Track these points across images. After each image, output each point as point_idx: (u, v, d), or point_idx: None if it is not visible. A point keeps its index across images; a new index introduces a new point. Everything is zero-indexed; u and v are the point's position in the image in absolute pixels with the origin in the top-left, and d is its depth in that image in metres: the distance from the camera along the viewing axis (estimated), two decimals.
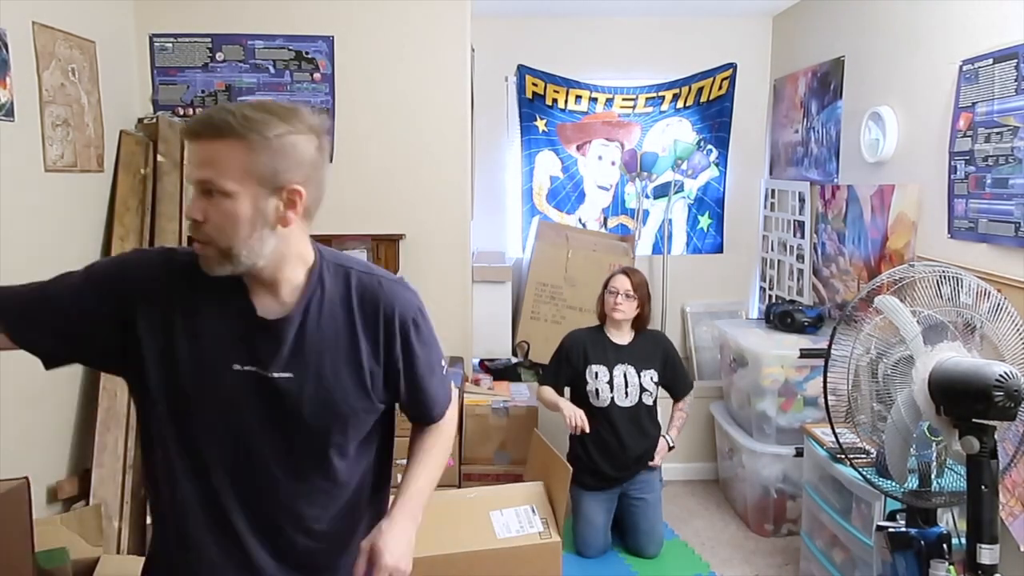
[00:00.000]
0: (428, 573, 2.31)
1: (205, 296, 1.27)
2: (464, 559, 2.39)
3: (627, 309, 3.15)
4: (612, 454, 3.13)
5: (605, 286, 3.25)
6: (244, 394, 1.25)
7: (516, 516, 2.55)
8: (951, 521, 1.90)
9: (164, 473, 1.29)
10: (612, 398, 3.12)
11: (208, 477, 1.27)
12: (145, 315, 1.28)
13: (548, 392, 3.22)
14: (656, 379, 3.19)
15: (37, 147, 2.61)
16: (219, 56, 3.38)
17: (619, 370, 3.14)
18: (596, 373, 3.13)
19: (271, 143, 1.19)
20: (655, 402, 3.21)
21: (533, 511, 2.56)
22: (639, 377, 3.15)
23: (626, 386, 3.14)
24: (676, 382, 3.29)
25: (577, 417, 3.04)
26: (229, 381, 1.25)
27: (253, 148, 1.17)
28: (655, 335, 3.33)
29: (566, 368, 3.21)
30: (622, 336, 3.23)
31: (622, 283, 3.17)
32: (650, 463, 3.17)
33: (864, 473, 2.01)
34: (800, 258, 3.88)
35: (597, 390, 3.12)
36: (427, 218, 3.51)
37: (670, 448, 3.24)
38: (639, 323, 3.24)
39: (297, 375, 1.26)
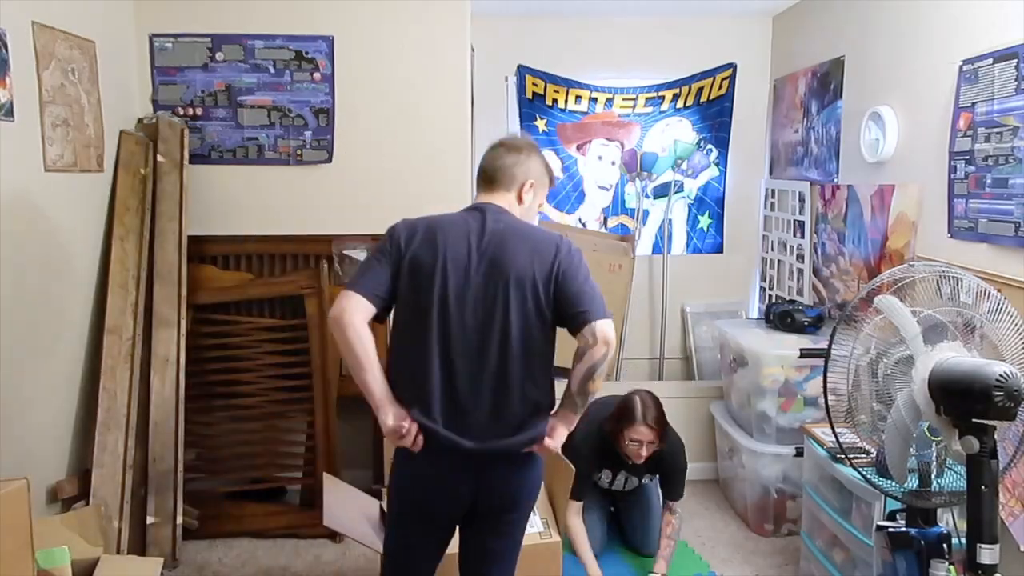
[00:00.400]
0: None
1: None
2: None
3: (648, 452, 2.87)
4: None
5: (619, 430, 2.84)
6: None
7: None
8: (951, 521, 1.90)
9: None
10: (611, 487, 3.17)
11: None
12: None
13: (576, 527, 2.89)
14: (651, 481, 3.23)
15: (37, 147, 2.61)
16: (219, 56, 3.38)
17: (621, 476, 3.11)
18: (601, 477, 3.11)
19: None
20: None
21: (534, 511, 2.53)
22: (639, 481, 3.19)
23: (625, 484, 3.16)
24: (668, 486, 3.05)
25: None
26: None
27: None
28: (664, 454, 2.97)
29: (585, 479, 2.93)
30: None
31: (645, 435, 2.80)
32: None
33: (864, 473, 2.01)
34: (800, 258, 3.88)
35: (599, 479, 3.14)
36: None
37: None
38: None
39: None
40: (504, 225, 1.93)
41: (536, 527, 2.51)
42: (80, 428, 2.90)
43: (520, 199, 2.10)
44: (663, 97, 4.30)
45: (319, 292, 3.30)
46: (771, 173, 4.34)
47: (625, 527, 3.29)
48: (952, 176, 2.61)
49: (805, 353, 3.15)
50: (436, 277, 1.84)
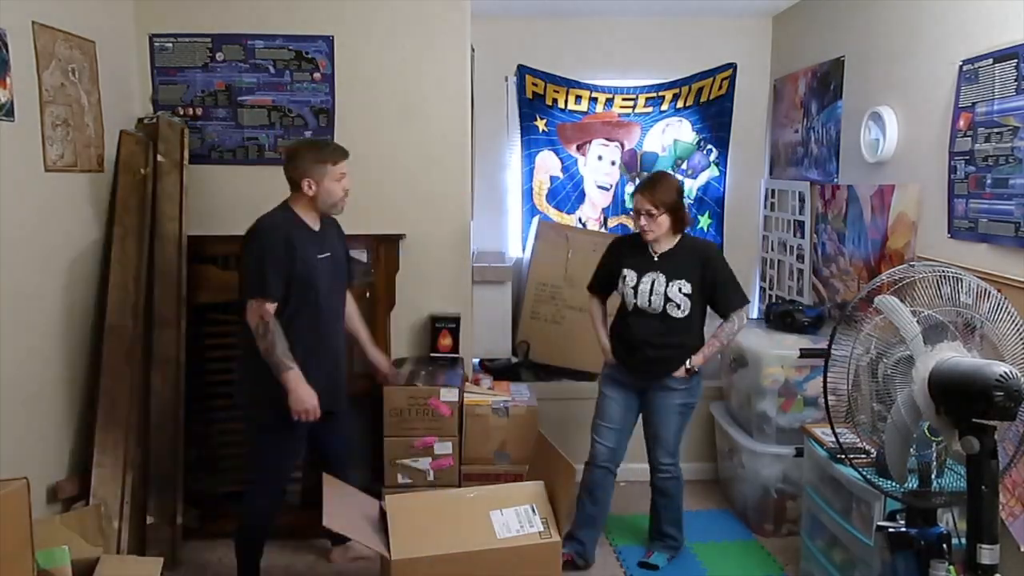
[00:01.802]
0: (429, 572, 2.35)
1: None
2: (465, 559, 2.40)
3: (656, 227, 2.87)
4: (630, 354, 3.02)
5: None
6: None
7: (516, 516, 2.54)
8: (951, 521, 1.90)
9: None
10: (635, 304, 2.95)
11: None
12: None
13: (594, 308, 3.18)
14: (687, 291, 2.89)
15: (37, 147, 2.61)
16: (219, 56, 3.38)
17: (648, 278, 2.92)
18: (625, 277, 2.97)
19: None
20: (690, 315, 2.92)
21: (533, 511, 2.55)
22: (666, 287, 2.90)
23: (650, 294, 2.91)
24: (716, 295, 2.94)
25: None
26: None
27: None
28: (698, 244, 3.04)
29: (605, 270, 3.10)
30: (661, 244, 2.95)
31: (640, 203, 2.88)
32: (674, 374, 2.95)
33: (864, 473, 2.01)
34: (800, 258, 3.88)
35: (624, 294, 3.00)
36: (427, 218, 3.51)
37: (688, 371, 2.94)
38: (678, 228, 2.93)
39: None
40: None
41: (536, 527, 2.51)
42: (80, 428, 2.90)
43: (305, 193, 2.65)
44: (663, 97, 4.29)
45: None
46: (771, 173, 4.34)
47: (645, 435, 3.12)
48: (952, 176, 2.61)
49: (805, 353, 3.15)
50: None
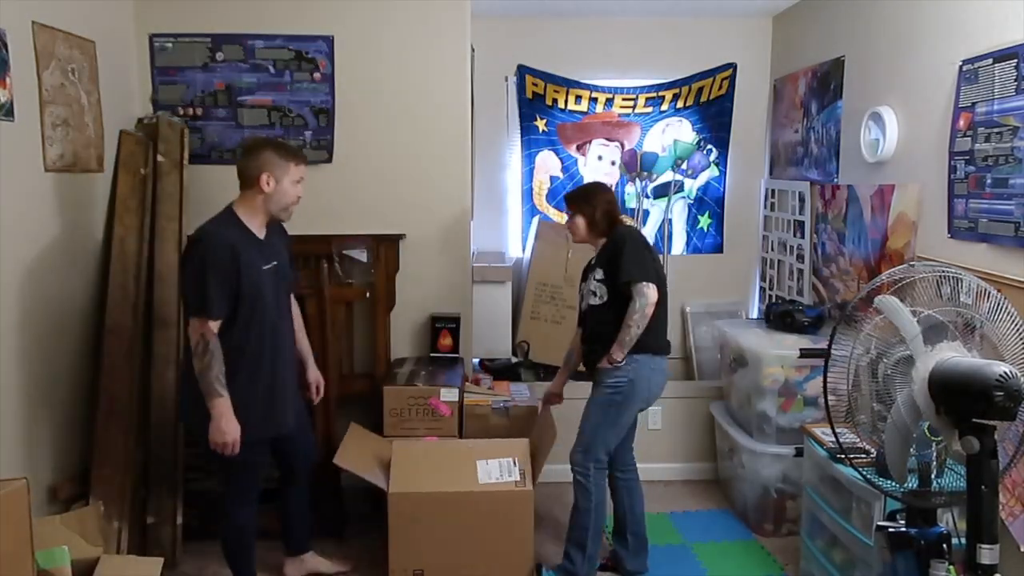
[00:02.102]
0: (418, 504, 2.83)
1: None
2: (449, 497, 2.84)
3: (576, 231, 2.93)
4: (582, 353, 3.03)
5: None
6: None
7: (499, 466, 2.91)
8: (951, 521, 1.90)
9: None
10: (580, 305, 3.02)
11: None
12: None
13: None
14: (600, 277, 2.84)
15: (37, 147, 2.61)
16: (219, 56, 3.38)
17: (586, 278, 2.96)
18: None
19: None
20: (608, 302, 2.82)
21: (514, 463, 2.91)
22: (589, 281, 2.91)
23: (583, 293, 2.97)
24: (616, 275, 2.78)
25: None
26: None
27: None
28: (615, 233, 2.88)
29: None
30: (600, 246, 2.95)
31: (567, 211, 2.99)
32: (598, 365, 2.85)
33: (864, 473, 2.01)
34: (800, 258, 3.88)
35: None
36: (427, 218, 3.51)
37: (609, 360, 2.79)
38: (602, 230, 2.89)
39: None
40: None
41: (514, 476, 2.88)
42: (80, 428, 2.90)
43: (261, 189, 2.50)
44: (663, 97, 4.30)
45: (319, 292, 3.30)
46: (771, 173, 4.34)
47: None
48: (952, 176, 2.61)
49: (805, 353, 3.15)
50: None
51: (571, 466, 2.87)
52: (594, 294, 2.87)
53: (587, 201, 2.91)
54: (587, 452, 2.84)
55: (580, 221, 2.91)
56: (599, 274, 2.86)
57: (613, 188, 4.40)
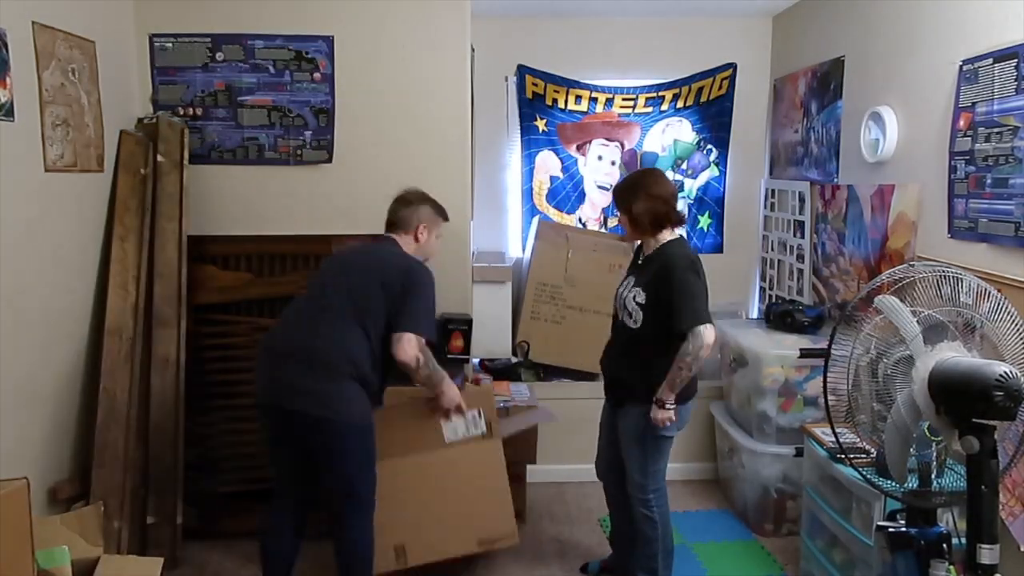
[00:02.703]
0: (383, 478, 2.61)
1: None
2: (418, 463, 2.80)
3: (627, 228, 2.70)
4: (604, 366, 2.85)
5: None
6: None
7: (464, 421, 2.86)
8: (951, 521, 1.90)
9: None
10: (615, 313, 2.76)
11: None
12: None
13: None
14: (642, 301, 2.59)
15: (37, 147, 2.61)
16: (219, 56, 3.38)
17: (628, 282, 2.70)
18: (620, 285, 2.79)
19: None
20: (642, 330, 2.59)
21: (479, 414, 2.89)
22: (628, 296, 2.66)
23: (618, 298, 2.72)
24: (667, 313, 2.52)
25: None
26: None
27: None
28: (666, 252, 2.63)
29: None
30: (648, 247, 2.71)
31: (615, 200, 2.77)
32: (653, 416, 2.58)
33: (864, 473, 2.01)
34: (800, 258, 3.88)
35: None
36: None
37: (655, 402, 2.56)
38: (643, 230, 2.67)
39: None
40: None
41: (480, 428, 2.87)
42: (80, 428, 2.90)
43: (416, 239, 2.77)
44: (663, 97, 4.29)
45: None
46: (771, 173, 4.34)
47: None
48: (952, 176, 2.61)
49: (805, 353, 3.15)
50: None
51: (632, 501, 2.72)
52: (629, 315, 2.63)
53: (632, 193, 2.66)
54: (644, 488, 2.69)
55: (624, 219, 2.70)
56: (639, 296, 2.60)
57: (612, 188, 4.38)
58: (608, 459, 2.90)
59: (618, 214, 2.74)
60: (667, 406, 2.55)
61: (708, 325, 2.48)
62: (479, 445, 2.84)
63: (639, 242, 2.77)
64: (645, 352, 2.62)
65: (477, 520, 2.83)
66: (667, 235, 2.66)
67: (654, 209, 2.61)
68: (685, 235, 2.75)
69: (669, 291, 2.52)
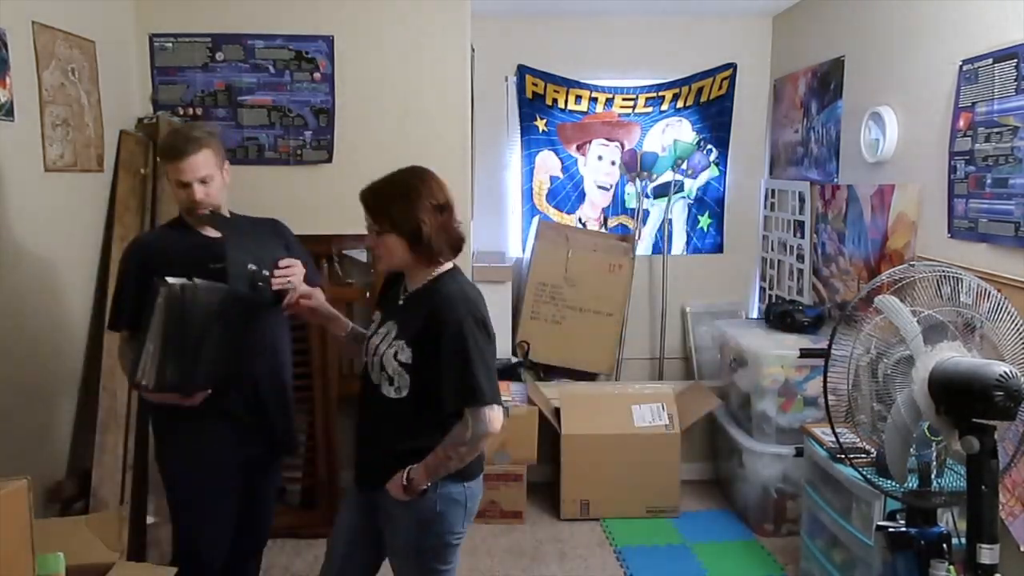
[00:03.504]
0: (585, 444, 3.52)
1: None
2: (611, 438, 3.52)
3: (382, 251, 1.92)
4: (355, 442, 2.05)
5: None
6: None
7: (651, 411, 3.57)
8: (951, 521, 1.90)
9: None
10: (365, 370, 1.97)
11: None
12: None
13: None
14: (407, 360, 1.84)
15: (37, 147, 2.61)
16: (219, 56, 3.37)
17: (384, 329, 1.92)
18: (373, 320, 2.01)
19: None
20: (408, 399, 1.85)
21: (663, 408, 3.57)
22: (387, 353, 1.87)
23: (373, 353, 1.91)
24: (439, 378, 1.81)
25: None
26: None
27: None
28: (439, 288, 1.90)
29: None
30: (412, 279, 1.97)
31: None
32: (388, 488, 1.86)
33: (864, 473, 2.01)
34: (800, 258, 3.88)
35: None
36: None
37: (405, 486, 1.83)
38: (430, 260, 1.91)
39: None
40: None
41: (663, 420, 3.54)
42: (80, 428, 2.90)
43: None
44: (663, 97, 4.29)
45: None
46: (771, 173, 4.34)
47: None
48: (952, 176, 2.61)
49: (805, 353, 3.14)
50: None
51: None
52: (389, 380, 1.86)
53: (402, 202, 1.96)
54: None
55: (393, 242, 1.89)
56: (402, 353, 1.85)
57: (612, 188, 4.39)
58: (340, 557, 2.04)
59: (380, 236, 1.91)
60: (416, 488, 1.83)
61: (496, 407, 1.80)
62: (662, 434, 3.47)
63: (381, 268, 2.03)
64: (403, 432, 1.88)
65: (648, 492, 3.53)
66: (444, 265, 1.95)
67: (436, 225, 1.89)
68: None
69: (448, 352, 1.79)
